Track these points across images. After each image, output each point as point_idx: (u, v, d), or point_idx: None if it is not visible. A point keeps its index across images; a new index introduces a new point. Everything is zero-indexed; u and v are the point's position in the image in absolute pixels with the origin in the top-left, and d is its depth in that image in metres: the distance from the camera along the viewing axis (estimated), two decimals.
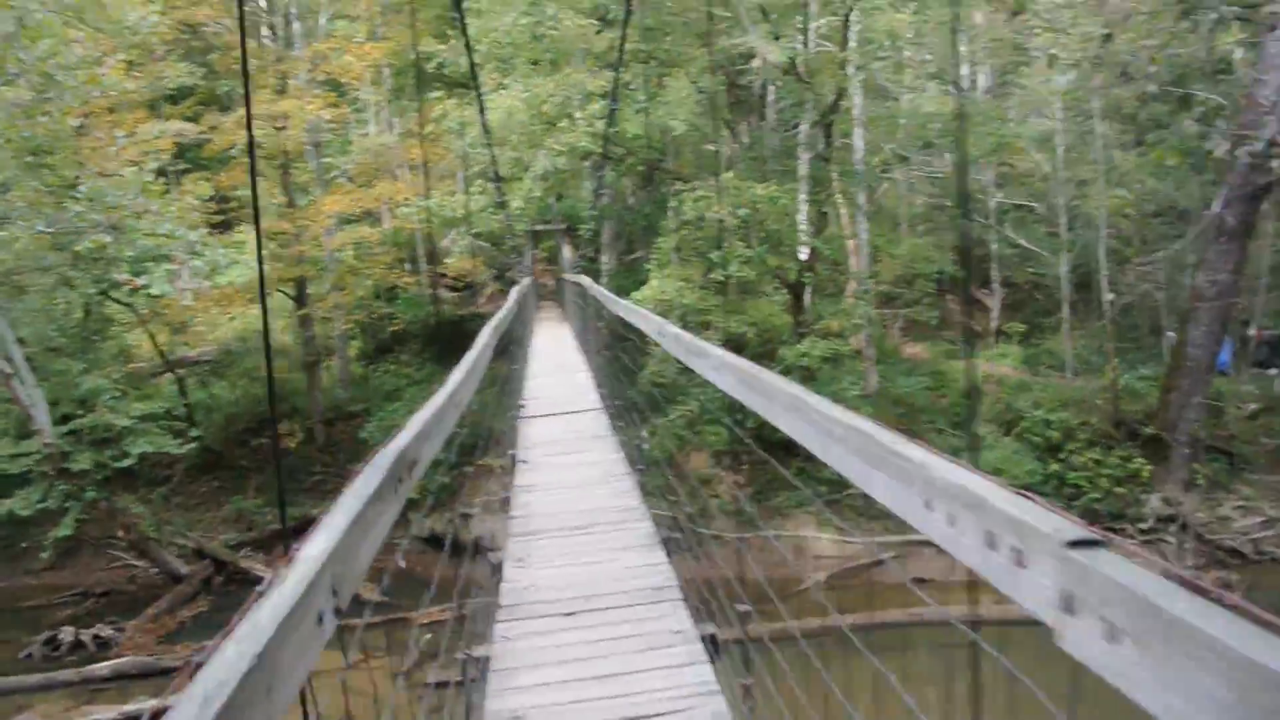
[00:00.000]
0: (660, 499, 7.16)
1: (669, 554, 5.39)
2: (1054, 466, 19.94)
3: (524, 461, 7.70)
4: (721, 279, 16.90)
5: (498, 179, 13.10)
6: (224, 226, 26.39)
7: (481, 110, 10.04)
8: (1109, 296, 21.40)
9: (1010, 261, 26.53)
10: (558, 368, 13.93)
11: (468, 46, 8.04)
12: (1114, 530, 19.32)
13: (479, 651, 4.00)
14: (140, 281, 11.87)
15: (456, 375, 3.49)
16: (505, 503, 6.83)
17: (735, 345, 19.82)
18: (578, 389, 11.39)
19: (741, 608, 3.88)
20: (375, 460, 2.04)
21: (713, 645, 3.97)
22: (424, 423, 2.58)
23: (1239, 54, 22.31)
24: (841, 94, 17.23)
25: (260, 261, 4.99)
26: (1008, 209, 26.64)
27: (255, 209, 4.88)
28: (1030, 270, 26.05)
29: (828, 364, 18.28)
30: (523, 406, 10.37)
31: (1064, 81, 18.70)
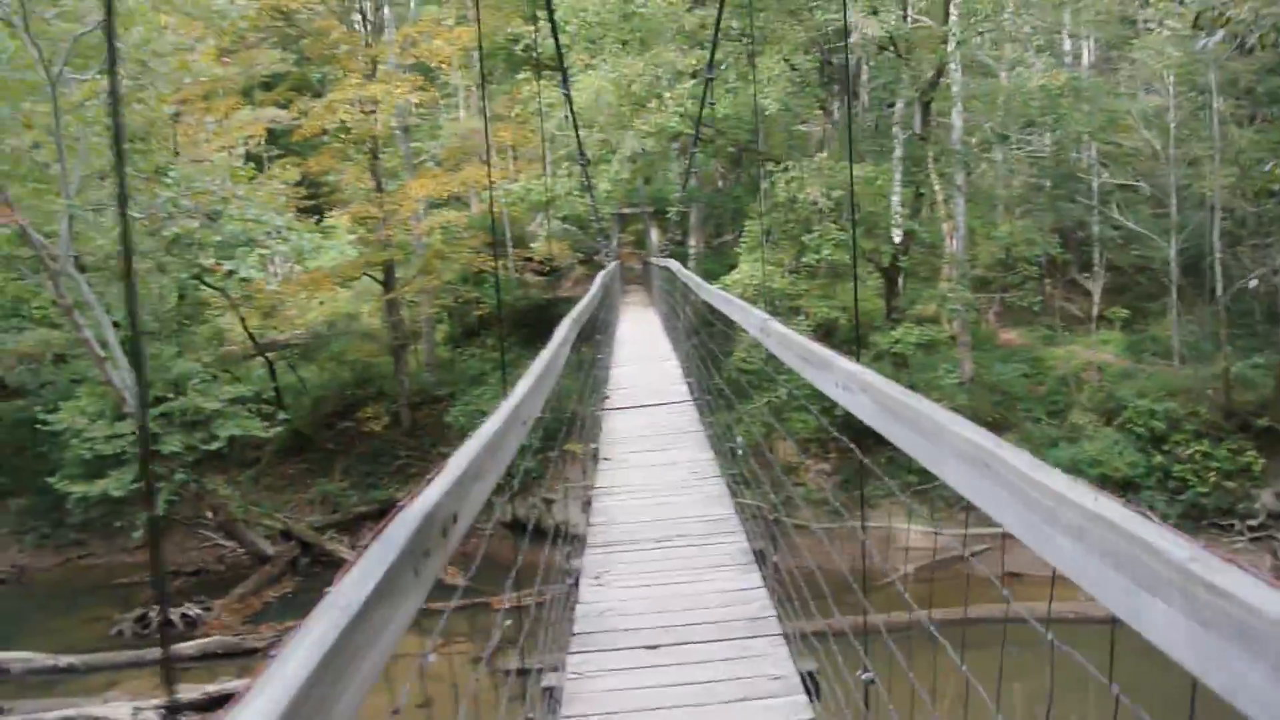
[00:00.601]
0: (753, 499, 6.76)
1: (763, 572, 4.88)
2: (1158, 458, 19.05)
3: (606, 459, 7.27)
4: (814, 262, 16.38)
5: (584, 160, 12.72)
6: (314, 211, 26.68)
7: (566, 91, 9.61)
8: (1221, 281, 20.30)
9: (1113, 244, 25.43)
10: (644, 356, 13.48)
11: (553, 24, 7.67)
12: (1222, 527, 18.47)
13: (549, 681, 3.68)
14: (227, 266, 11.86)
15: (522, 386, 2.81)
16: (585, 505, 6.45)
17: (826, 330, 19.32)
18: (665, 379, 10.93)
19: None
20: (388, 533, 1.38)
21: (812, 683, 3.57)
22: (468, 461, 1.84)
23: None
24: (942, 70, 16.53)
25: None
26: (1111, 189, 25.54)
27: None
28: (1135, 253, 24.93)
29: (921, 350, 17.63)
30: (607, 398, 9.91)
31: (1177, 54, 17.70)
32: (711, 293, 6.40)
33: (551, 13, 7.76)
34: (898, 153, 20.13)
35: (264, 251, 12.80)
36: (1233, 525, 18.09)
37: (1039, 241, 19.73)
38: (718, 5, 7.80)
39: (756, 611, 4.35)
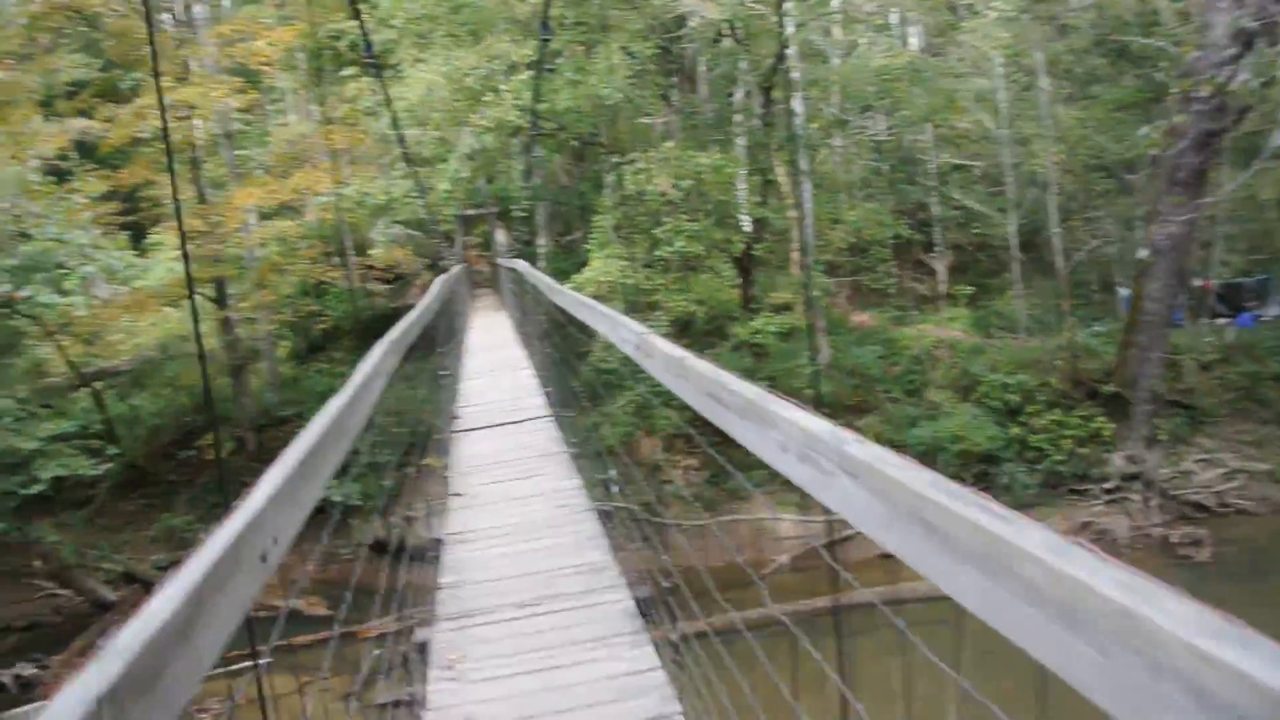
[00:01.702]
0: (637, 547, 5.58)
1: (661, 653, 3.85)
2: (1015, 430, 19.45)
3: (456, 494, 6.30)
4: (667, 255, 15.99)
5: (409, 161, 11.89)
6: (134, 228, 24.99)
7: (380, 81, 8.74)
8: (1061, 255, 20.93)
9: (954, 223, 26.05)
10: (496, 365, 12.45)
11: (358, 15, 6.97)
12: (1079, 492, 19.00)
13: None
14: (23, 293, 10.64)
15: (313, 431, 2.23)
16: (431, 556, 5.43)
17: (683, 325, 19.02)
18: (520, 390, 9.92)
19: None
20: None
21: None
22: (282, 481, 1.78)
23: (1164, 2, 21.96)
24: (781, 55, 16.38)
25: (186, 260, 4.33)
26: (948, 170, 26.14)
27: (177, 208, 4.16)
28: (975, 231, 25.57)
29: (778, 339, 17.47)
30: (456, 418, 8.86)
31: (1005, 35, 18.08)
32: (569, 298, 5.29)
33: (356, 5, 7.05)
34: (740, 141, 20.01)
35: (73, 273, 11.55)
36: (1089, 490, 18.58)
37: (888, 224, 19.90)
38: None
39: (656, 707, 3.47)
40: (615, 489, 6.18)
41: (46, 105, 21.78)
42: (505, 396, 9.69)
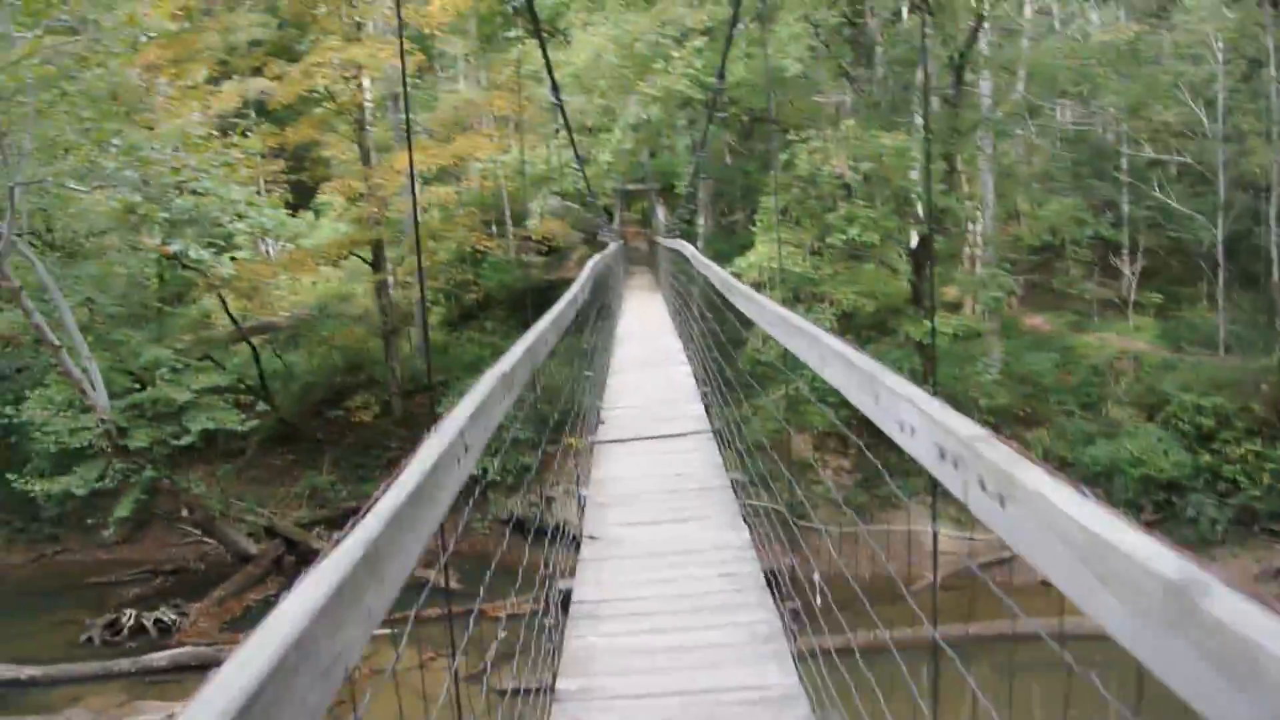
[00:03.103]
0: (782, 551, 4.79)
1: (805, 666, 3.39)
2: (1206, 458, 17.65)
3: (591, 539, 4.90)
4: (840, 243, 14.86)
5: (570, 129, 11.06)
6: (300, 186, 25.26)
7: (543, 49, 7.59)
8: (1275, 264, 18.83)
9: (1144, 224, 23.85)
10: (649, 358, 11.07)
11: None
12: (1275, 534, 17.06)
13: None
14: (174, 247, 10.48)
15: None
16: (550, 634, 4.02)
17: (844, 317, 17.83)
18: (675, 393, 8.59)
19: None
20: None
21: None
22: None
23: None
24: (979, 26, 14.98)
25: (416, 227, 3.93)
26: (1143, 165, 24.00)
27: (412, 176, 3.63)
28: (1170, 234, 23.36)
29: (956, 340, 16.15)
30: (601, 423, 7.53)
31: (1231, 16, 16.20)
32: (760, 306, 3.86)
33: None
34: (917, 122, 18.70)
35: (233, 231, 11.37)
36: None
37: (1088, 221, 18.24)
38: None
39: None
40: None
41: (224, 64, 22.18)
42: (657, 399, 8.52)
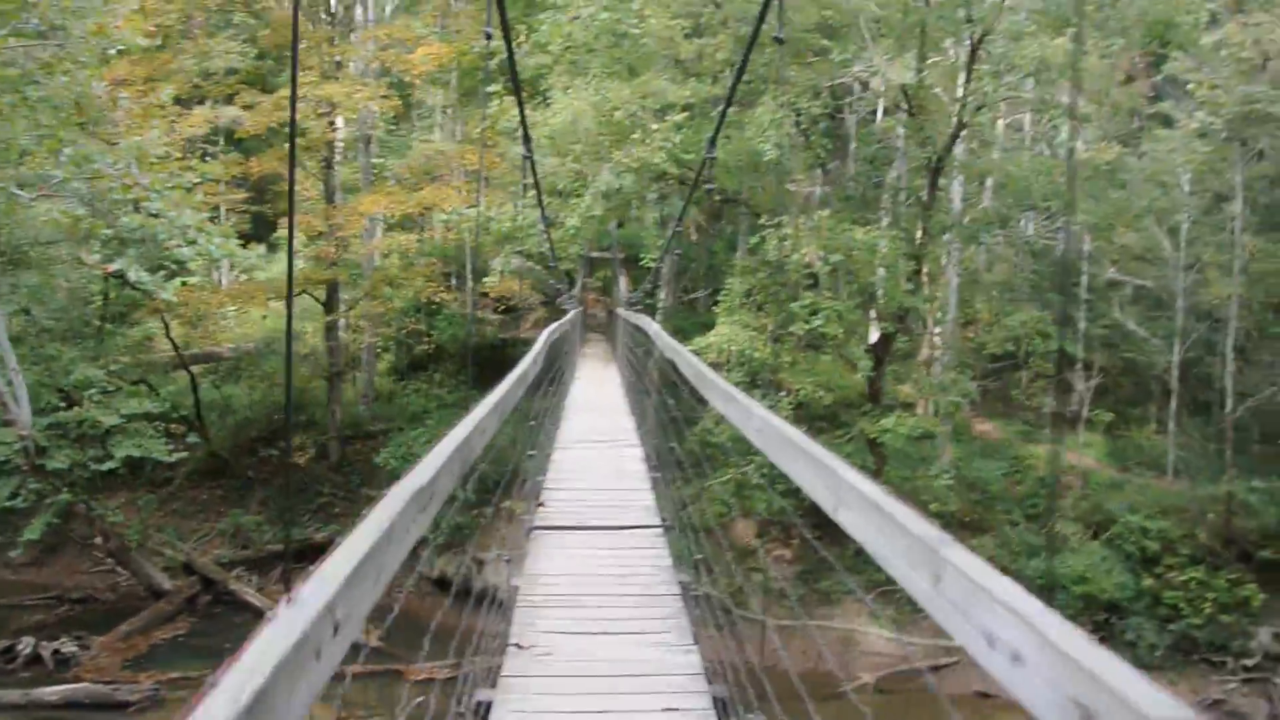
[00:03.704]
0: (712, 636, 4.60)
1: None
2: (1148, 581, 17.53)
3: (518, 646, 4.22)
4: (804, 331, 14.68)
5: (537, 185, 10.75)
6: (260, 219, 24.86)
7: (521, 107, 7.18)
8: (1231, 396, 18.98)
9: (1099, 342, 24.05)
10: (600, 434, 10.23)
11: (506, 34, 5.82)
12: (1213, 664, 16.93)
13: None
14: (113, 266, 10.03)
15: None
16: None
17: (796, 407, 17.62)
18: (624, 478, 7.86)
19: None
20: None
21: None
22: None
23: None
24: (959, 131, 15.05)
25: (290, 256, 3.89)
26: (1102, 285, 24.31)
27: (290, 194, 3.27)
28: (1126, 354, 23.57)
29: (909, 441, 15.97)
30: (540, 504, 6.77)
31: (1205, 149, 16.45)
32: (746, 410, 3.08)
33: (505, 24, 5.93)
34: (885, 221, 18.78)
35: (180, 256, 10.90)
36: (1225, 663, 16.57)
37: (1053, 335, 18.30)
38: (755, 23, 5.86)
39: None
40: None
41: (198, 88, 21.84)
42: (605, 482, 7.72)
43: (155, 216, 10.08)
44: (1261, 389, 19.47)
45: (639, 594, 5.06)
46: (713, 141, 7.39)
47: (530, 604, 4.84)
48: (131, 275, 10.16)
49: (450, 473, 2.27)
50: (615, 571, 5.45)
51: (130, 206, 9.90)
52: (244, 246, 11.42)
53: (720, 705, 3.63)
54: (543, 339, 7.37)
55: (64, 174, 9.58)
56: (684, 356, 5.07)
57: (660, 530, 6.24)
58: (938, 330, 20.31)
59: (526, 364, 4.76)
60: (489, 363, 21.47)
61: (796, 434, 2.38)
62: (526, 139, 7.83)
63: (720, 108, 18.20)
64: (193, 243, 9.82)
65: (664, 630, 4.51)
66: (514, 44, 17.98)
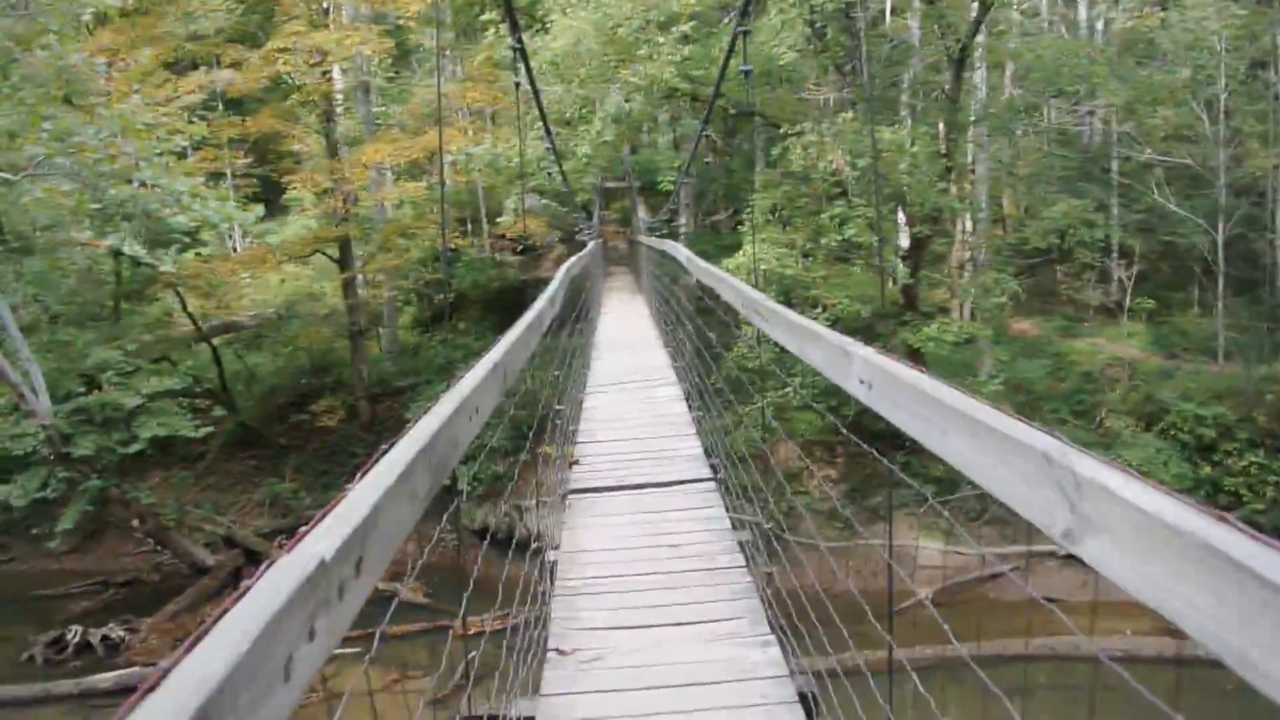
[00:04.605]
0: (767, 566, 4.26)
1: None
2: (1207, 470, 17.02)
3: (559, 651, 3.57)
4: (836, 243, 14.03)
5: (545, 120, 10.05)
6: (266, 180, 24.33)
7: (518, 37, 6.27)
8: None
9: (1135, 228, 23.21)
10: (631, 375, 9.37)
11: None
12: None
13: None
14: (106, 241, 9.58)
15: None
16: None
17: (830, 323, 17.05)
18: (664, 424, 7.07)
19: None
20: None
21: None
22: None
23: None
24: (986, 13, 14.19)
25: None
26: (1134, 168, 23.38)
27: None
28: (1162, 238, 22.73)
29: (954, 348, 15.35)
30: (575, 462, 6.08)
31: (1243, 12, 15.52)
32: (824, 340, 2.61)
33: None
34: (906, 121, 18.02)
35: (173, 224, 10.45)
36: None
37: (1099, 223, 17.52)
38: None
39: None
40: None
41: (189, 52, 21.16)
42: (644, 431, 6.94)
43: (148, 186, 9.60)
44: None
45: (697, 568, 4.32)
46: (728, 56, 6.69)
47: (570, 589, 4.19)
48: (126, 249, 9.71)
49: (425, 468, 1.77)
50: (667, 542, 4.69)
51: (120, 178, 9.42)
52: (241, 208, 10.92)
53: (808, 702, 3.11)
54: (560, 275, 6.58)
55: (46, 150, 9.07)
56: (728, 283, 4.42)
57: (712, 483, 5.51)
58: (970, 230, 19.57)
59: (541, 306, 3.98)
60: (514, 306, 21.01)
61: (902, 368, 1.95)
62: (529, 71, 7.13)
63: (728, 19, 17.49)
64: (187, 209, 9.33)
65: (733, 616, 3.83)
66: None
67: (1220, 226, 19.15)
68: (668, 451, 6.30)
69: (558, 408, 6.55)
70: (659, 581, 4.20)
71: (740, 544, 4.48)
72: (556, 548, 4.62)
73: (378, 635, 1.96)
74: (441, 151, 7.88)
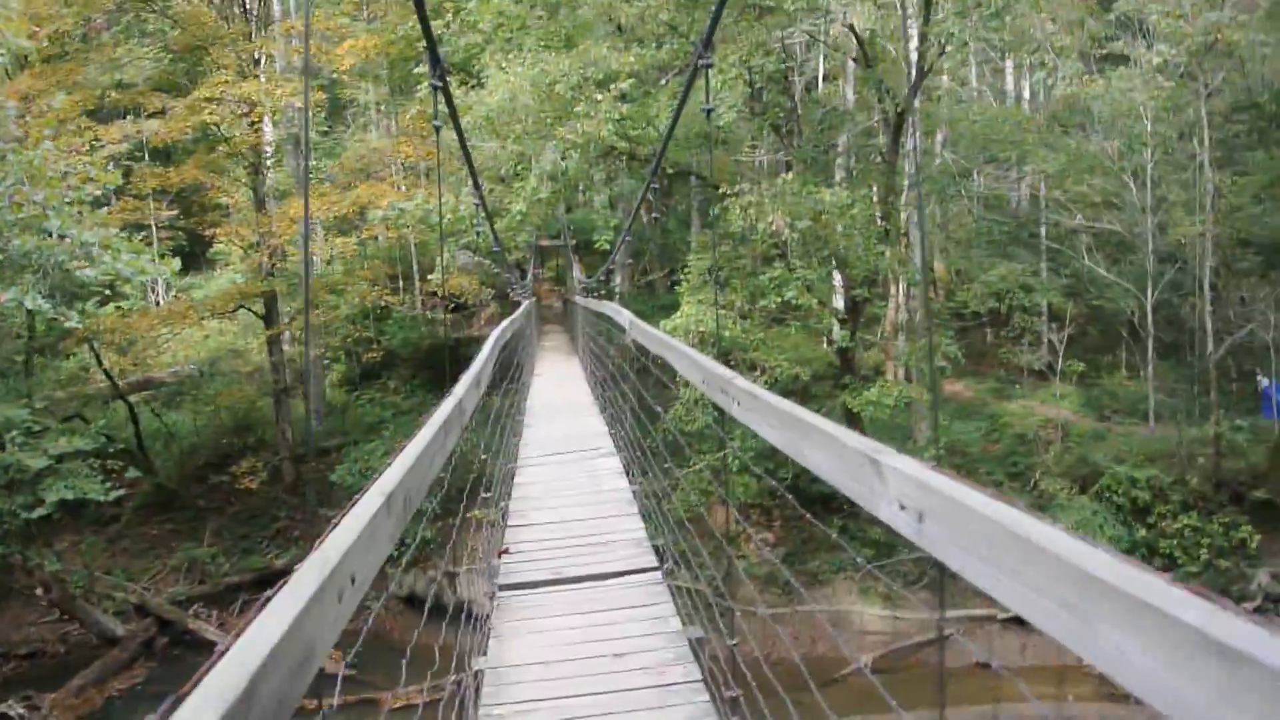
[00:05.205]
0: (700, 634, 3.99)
1: None
2: (1142, 533, 17.07)
3: None
4: (776, 305, 13.84)
5: (475, 176, 9.70)
6: (190, 233, 23.69)
7: (440, 83, 5.81)
8: (1211, 336, 18.50)
9: (1063, 292, 23.55)
10: (567, 444, 8.59)
11: (421, 17, 4.71)
12: None
13: None
14: (6, 295, 9.03)
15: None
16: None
17: (766, 386, 16.86)
18: (606, 502, 6.39)
19: None
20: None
21: None
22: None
23: None
24: (924, 78, 14.26)
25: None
26: (1065, 233, 23.78)
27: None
28: (1093, 302, 23.08)
29: (873, 408, 15.18)
30: (505, 551, 5.44)
31: (1167, 84, 15.88)
32: (778, 411, 2.35)
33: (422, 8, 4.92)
34: (837, 177, 18.11)
35: (83, 278, 9.90)
36: None
37: (1038, 287, 17.64)
38: None
39: None
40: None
41: (114, 100, 20.59)
42: (583, 511, 6.24)
43: (55, 237, 9.08)
44: (1237, 326, 19.02)
45: (646, 685, 3.69)
46: (678, 111, 6.38)
47: (496, 718, 3.53)
48: (28, 304, 9.15)
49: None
50: (610, 649, 4.06)
51: (26, 228, 8.90)
52: (154, 261, 10.38)
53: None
54: (490, 344, 5.78)
55: None
56: (684, 354, 3.86)
57: (657, 573, 4.91)
58: (907, 293, 19.63)
59: (461, 392, 3.32)
60: (444, 364, 20.54)
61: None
62: (457, 128, 6.77)
63: (667, 79, 17.47)
64: (98, 262, 8.84)
65: None
66: (444, 24, 17.09)
67: (1149, 291, 19.45)
68: (608, 535, 5.69)
69: (484, 495, 6.02)
70: (603, 705, 3.59)
71: (692, 645, 3.94)
72: (484, 654, 4.06)
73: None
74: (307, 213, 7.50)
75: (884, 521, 1.56)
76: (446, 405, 2.84)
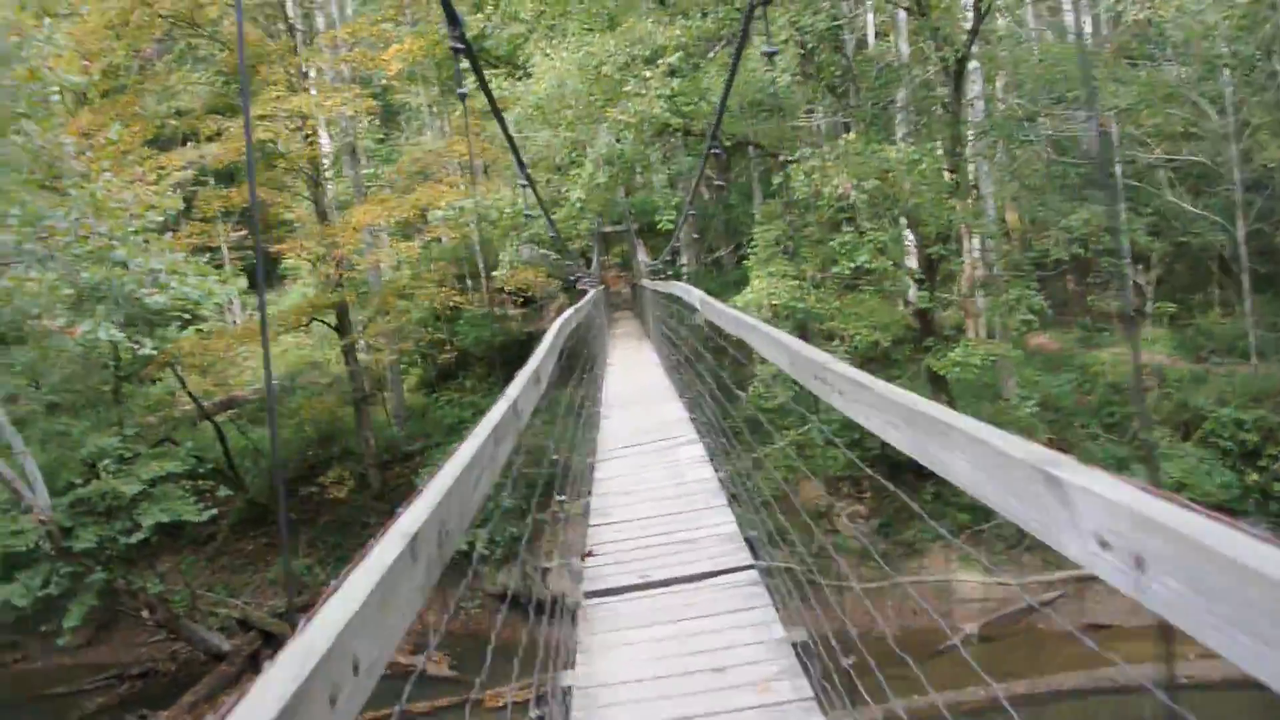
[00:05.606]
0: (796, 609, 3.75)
1: None
2: (1254, 476, 16.27)
3: None
4: (849, 271, 13.44)
5: (522, 166, 9.45)
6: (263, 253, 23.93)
7: (485, 86, 5.62)
8: None
9: (1147, 230, 22.58)
10: (645, 436, 8.10)
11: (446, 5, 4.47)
12: None
13: None
14: (82, 329, 9.14)
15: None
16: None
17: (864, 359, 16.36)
18: (692, 494, 5.97)
19: None
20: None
21: None
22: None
23: None
24: (983, 19, 13.70)
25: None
26: (1141, 170, 22.81)
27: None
28: (1179, 239, 22.11)
29: (980, 370, 14.63)
30: (589, 554, 5.16)
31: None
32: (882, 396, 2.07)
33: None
34: (899, 134, 17.56)
35: (154, 304, 9.99)
36: None
37: (1127, 229, 16.93)
38: None
39: None
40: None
41: (173, 128, 20.91)
42: (667, 508, 5.81)
43: (122, 266, 9.15)
44: None
45: (752, 705, 3.29)
46: (728, 86, 6.00)
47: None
48: (102, 335, 9.25)
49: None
50: (709, 664, 3.64)
51: (95, 260, 8.98)
52: (222, 283, 10.41)
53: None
54: (550, 336, 5.36)
55: (16, 236, 8.63)
56: (768, 336, 3.53)
57: (753, 571, 4.49)
58: (981, 247, 19.00)
59: (518, 389, 3.00)
60: (518, 360, 20.50)
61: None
62: (500, 122, 6.57)
63: (715, 50, 17.08)
64: (166, 288, 8.87)
65: None
66: (485, 17, 16.94)
67: (1239, 222, 18.52)
68: (695, 531, 5.32)
69: (560, 498, 5.76)
70: None
71: (798, 653, 3.58)
72: (571, 668, 3.79)
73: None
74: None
75: (1075, 561, 1.20)
76: (497, 409, 2.57)
